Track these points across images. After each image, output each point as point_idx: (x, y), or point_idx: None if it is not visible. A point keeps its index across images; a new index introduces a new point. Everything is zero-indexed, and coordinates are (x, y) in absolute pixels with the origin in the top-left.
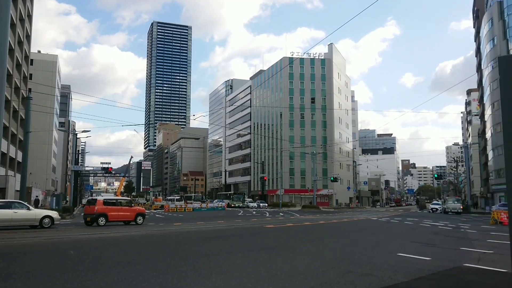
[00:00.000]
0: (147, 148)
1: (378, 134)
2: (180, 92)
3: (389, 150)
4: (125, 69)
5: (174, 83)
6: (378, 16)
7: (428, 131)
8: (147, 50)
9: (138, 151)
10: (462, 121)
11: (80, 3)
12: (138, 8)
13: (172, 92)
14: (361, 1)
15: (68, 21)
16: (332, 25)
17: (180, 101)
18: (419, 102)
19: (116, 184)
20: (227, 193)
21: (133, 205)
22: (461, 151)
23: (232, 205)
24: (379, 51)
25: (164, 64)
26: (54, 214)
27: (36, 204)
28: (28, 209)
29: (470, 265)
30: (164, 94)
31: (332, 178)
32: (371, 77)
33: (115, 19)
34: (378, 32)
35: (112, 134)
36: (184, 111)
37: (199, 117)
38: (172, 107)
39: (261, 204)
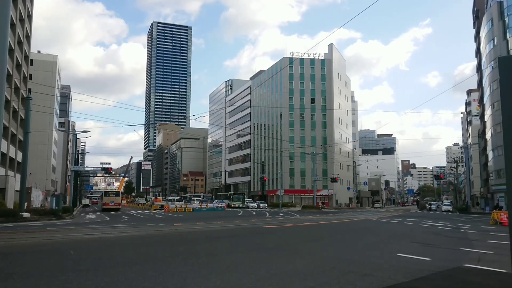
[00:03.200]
0: (147, 148)
1: (378, 135)
2: (180, 92)
3: (389, 150)
4: None
5: (174, 83)
6: (414, 16)
7: (440, 131)
8: (147, 50)
9: (138, 151)
10: (462, 122)
11: (121, 5)
12: (179, 8)
13: (172, 92)
14: (395, 2)
15: (107, 22)
16: (365, 25)
17: (180, 101)
18: (439, 102)
19: (116, 184)
20: (227, 193)
21: None
22: (461, 152)
23: (232, 206)
24: (408, 51)
25: (164, 64)
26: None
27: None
28: None
29: (470, 265)
30: (164, 94)
31: (331, 179)
32: (396, 77)
33: (157, 19)
34: (412, 32)
35: (125, 134)
36: (184, 111)
37: (199, 117)
38: (172, 107)
39: (261, 205)
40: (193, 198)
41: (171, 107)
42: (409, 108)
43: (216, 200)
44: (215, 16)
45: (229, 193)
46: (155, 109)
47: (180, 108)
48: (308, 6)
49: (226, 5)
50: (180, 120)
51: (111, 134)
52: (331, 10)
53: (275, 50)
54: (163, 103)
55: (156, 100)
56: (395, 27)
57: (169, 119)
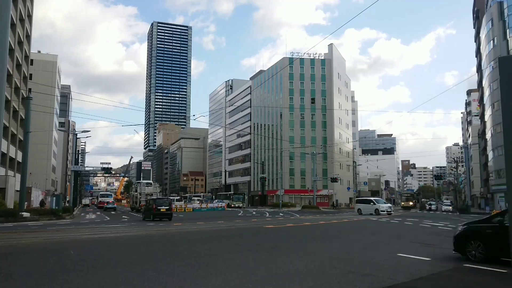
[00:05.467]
0: (147, 148)
1: (378, 135)
2: (180, 92)
3: (389, 150)
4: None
5: (174, 83)
6: (438, 17)
7: (450, 131)
8: (147, 50)
9: (138, 151)
10: (462, 122)
11: (151, 7)
12: (214, 9)
13: (172, 92)
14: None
15: (134, 23)
16: (389, 26)
17: (180, 101)
18: (453, 102)
19: (116, 184)
20: (227, 193)
21: None
22: (461, 152)
23: (232, 206)
24: (430, 52)
25: (164, 64)
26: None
27: (42, 205)
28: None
29: (470, 265)
30: (164, 94)
31: (331, 179)
32: (415, 77)
33: (188, 20)
34: (434, 33)
35: (134, 135)
36: (184, 111)
37: (199, 117)
38: (172, 107)
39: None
40: (193, 198)
41: (171, 107)
42: (424, 108)
43: (216, 200)
44: (242, 17)
45: (229, 193)
46: (155, 109)
47: (180, 108)
48: (334, 7)
49: (255, 5)
50: (180, 120)
51: (121, 134)
52: (358, 10)
53: (293, 49)
54: (163, 103)
55: (156, 100)
56: (419, 28)
57: (169, 119)
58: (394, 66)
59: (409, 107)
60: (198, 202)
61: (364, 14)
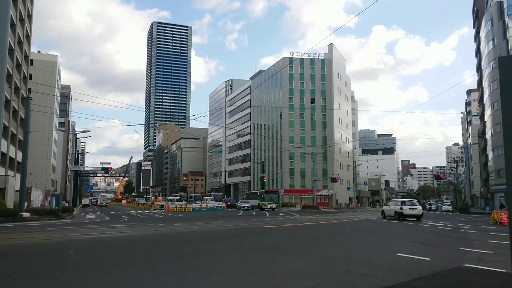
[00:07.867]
0: (147, 148)
1: (378, 134)
2: (180, 92)
3: (389, 150)
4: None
5: (174, 83)
6: (461, 17)
7: (457, 131)
8: (147, 50)
9: (138, 151)
10: (462, 122)
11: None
12: (246, 10)
13: (172, 92)
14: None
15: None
16: (412, 25)
17: (180, 101)
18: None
19: (116, 184)
20: (257, 191)
21: None
22: (461, 151)
23: (264, 207)
24: (451, 52)
25: (164, 64)
26: None
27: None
28: None
29: (470, 265)
30: (164, 94)
31: (331, 179)
32: (434, 77)
33: (217, 20)
34: (456, 34)
35: (141, 135)
36: (184, 111)
37: (199, 117)
38: (172, 107)
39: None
40: (204, 197)
41: (171, 107)
42: (438, 109)
43: (240, 201)
44: (272, 18)
45: (260, 191)
46: (155, 109)
47: (180, 108)
48: (360, 9)
49: (287, 6)
50: (180, 120)
51: (131, 134)
52: (387, 11)
53: (311, 49)
54: (163, 103)
55: (156, 100)
56: (442, 28)
57: (169, 119)
58: (415, 65)
59: (426, 107)
60: (213, 202)
61: (393, 14)
